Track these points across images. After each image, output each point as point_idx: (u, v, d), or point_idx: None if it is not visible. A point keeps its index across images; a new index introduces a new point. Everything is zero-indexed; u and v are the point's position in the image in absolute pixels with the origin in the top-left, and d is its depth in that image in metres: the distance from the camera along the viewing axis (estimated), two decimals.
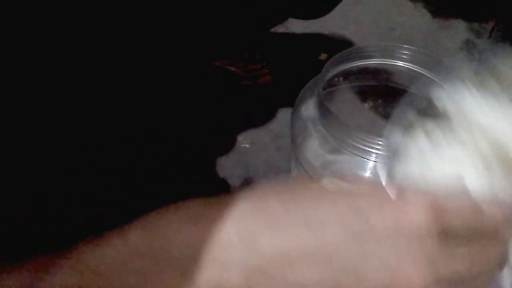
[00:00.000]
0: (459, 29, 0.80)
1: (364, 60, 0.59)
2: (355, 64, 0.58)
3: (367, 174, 0.48)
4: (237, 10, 0.46)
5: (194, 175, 0.63)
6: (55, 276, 0.23)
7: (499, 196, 0.25)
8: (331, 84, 0.63)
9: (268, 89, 0.71)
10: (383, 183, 0.30)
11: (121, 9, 0.38)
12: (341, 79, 0.60)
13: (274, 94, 0.71)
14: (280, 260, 0.21)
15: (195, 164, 0.64)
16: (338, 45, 0.79)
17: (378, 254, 0.21)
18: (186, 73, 0.60)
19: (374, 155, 0.45)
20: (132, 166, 0.58)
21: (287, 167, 0.63)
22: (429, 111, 0.34)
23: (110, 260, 0.24)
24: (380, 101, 0.65)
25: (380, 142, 0.43)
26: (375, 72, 0.61)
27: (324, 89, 0.61)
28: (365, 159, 0.46)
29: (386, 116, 0.44)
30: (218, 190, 0.64)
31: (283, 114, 0.70)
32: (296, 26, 0.79)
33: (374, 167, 0.46)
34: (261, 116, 0.71)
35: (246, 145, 0.68)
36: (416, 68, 0.65)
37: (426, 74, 0.65)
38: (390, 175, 0.32)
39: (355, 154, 0.46)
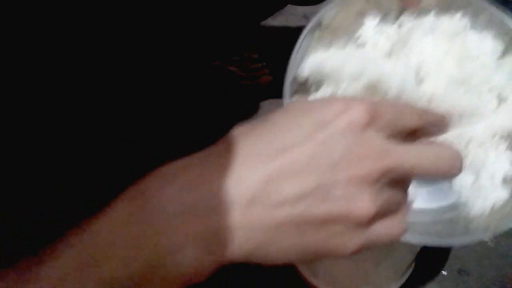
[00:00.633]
0: None
1: None
2: None
3: None
4: (236, 3, 0.46)
5: None
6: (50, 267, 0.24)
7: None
8: None
9: (268, 89, 0.71)
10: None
11: (121, 9, 0.38)
12: None
13: (274, 94, 0.71)
14: (263, 185, 0.23)
15: None
16: None
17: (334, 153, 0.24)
18: (186, 73, 0.60)
19: None
20: (132, 166, 0.58)
21: None
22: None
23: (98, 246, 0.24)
24: None
25: None
26: None
27: None
28: None
29: None
30: None
31: None
32: (296, 24, 0.79)
33: None
34: (261, 116, 0.71)
35: None
36: None
37: None
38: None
39: None
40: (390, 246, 0.54)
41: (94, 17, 0.37)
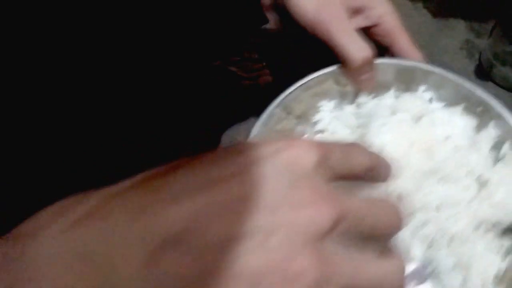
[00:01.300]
0: (459, 29, 0.80)
1: None
2: None
3: None
4: (236, 5, 0.46)
5: None
6: None
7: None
8: None
9: (268, 89, 0.71)
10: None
11: (121, 8, 0.38)
12: None
13: (274, 94, 0.71)
14: (182, 225, 0.18)
15: None
16: None
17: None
18: (186, 73, 0.60)
19: None
20: (132, 166, 0.58)
21: None
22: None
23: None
24: None
25: None
26: None
27: None
28: None
29: None
30: None
31: None
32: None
33: None
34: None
35: None
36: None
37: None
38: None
39: None
40: None
41: (94, 17, 0.37)
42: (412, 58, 0.40)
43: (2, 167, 0.39)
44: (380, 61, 0.40)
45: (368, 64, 0.38)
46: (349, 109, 0.41)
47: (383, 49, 0.42)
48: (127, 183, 0.23)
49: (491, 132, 0.38)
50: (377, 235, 0.22)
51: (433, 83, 0.40)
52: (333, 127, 0.40)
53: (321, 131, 0.40)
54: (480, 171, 0.37)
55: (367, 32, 0.41)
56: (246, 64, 0.70)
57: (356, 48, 0.37)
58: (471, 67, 0.75)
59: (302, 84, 0.40)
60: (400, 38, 0.40)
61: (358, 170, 0.24)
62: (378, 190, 0.26)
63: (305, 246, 0.19)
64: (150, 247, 0.18)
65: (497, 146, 0.39)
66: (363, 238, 0.21)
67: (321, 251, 0.19)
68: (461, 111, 0.40)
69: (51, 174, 0.43)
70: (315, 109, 0.41)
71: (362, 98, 0.40)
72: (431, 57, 0.65)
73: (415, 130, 0.38)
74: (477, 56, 0.76)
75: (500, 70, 0.71)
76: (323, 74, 0.40)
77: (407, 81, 0.41)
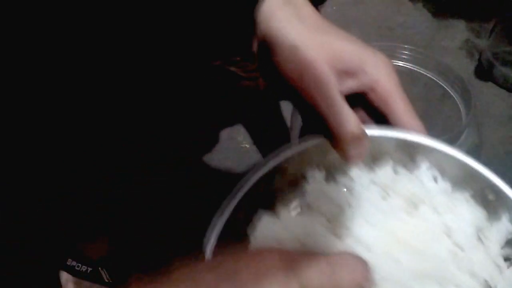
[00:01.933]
0: (459, 29, 0.80)
1: None
2: None
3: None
4: (236, 6, 0.46)
5: (193, 175, 0.63)
6: None
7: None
8: None
9: (268, 89, 0.71)
10: None
11: (122, 9, 0.38)
12: None
13: (274, 94, 0.71)
14: None
15: (195, 164, 0.64)
16: None
17: None
18: (186, 73, 0.60)
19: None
20: (132, 166, 0.58)
21: None
22: None
23: None
24: None
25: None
26: None
27: None
28: None
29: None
30: (217, 190, 0.64)
31: (283, 114, 0.70)
32: None
33: None
34: (261, 116, 0.71)
35: (246, 145, 0.68)
36: (416, 68, 0.65)
37: (426, 74, 0.65)
38: None
39: None
40: None
41: (95, 17, 0.37)
42: (410, 129, 0.34)
43: (2, 167, 0.39)
44: (377, 131, 0.34)
45: (356, 139, 0.32)
46: (342, 181, 0.35)
47: (382, 116, 0.36)
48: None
49: (504, 227, 0.32)
50: None
51: (437, 161, 0.34)
52: (322, 203, 0.34)
53: (308, 206, 0.35)
54: (487, 275, 0.31)
55: (365, 97, 0.36)
56: (246, 64, 0.70)
57: (342, 122, 0.31)
58: (471, 67, 0.75)
59: (290, 152, 0.34)
60: (398, 106, 0.34)
61: None
62: None
63: None
64: None
65: (510, 244, 0.32)
66: None
67: None
68: (468, 198, 0.33)
69: (51, 174, 0.43)
70: (303, 179, 0.35)
71: (355, 171, 0.35)
72: (431, 57, 0.65)
73: (408, 224, 0.32)
74: (477, 56, 0.76)
75: (500, 70, 0.71)
76: (313, 141, 0.34)
77: (407, 155, 0.35)
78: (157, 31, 0.42)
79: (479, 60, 0.75)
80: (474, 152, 0.54)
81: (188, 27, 0.45)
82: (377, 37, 0.80)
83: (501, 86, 0.72)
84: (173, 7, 0.42)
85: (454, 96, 0.62)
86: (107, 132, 0.46)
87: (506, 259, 0.32)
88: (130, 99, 0.46)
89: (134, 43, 0.41)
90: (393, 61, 0.61)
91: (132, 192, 0.58)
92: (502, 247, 0.32)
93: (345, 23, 0.82)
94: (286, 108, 0.70)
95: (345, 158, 0.33)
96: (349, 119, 0.31)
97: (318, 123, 0.33)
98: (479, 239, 0.32)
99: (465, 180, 0.33)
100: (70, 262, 0.53)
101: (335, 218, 0.33)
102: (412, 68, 0.65)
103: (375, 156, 0.35)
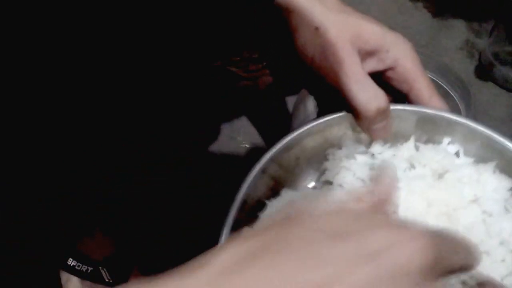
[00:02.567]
0: (459, 29, 0.80)
1: None
2: None
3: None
4: (236, 7, 0.46)
5: (193, 175, 0.63)
6: None
7: None
8: None
9: (268, 89, 0.71)
10: None
11: (123, 9, 0.38)
12: None
13: (274, 94, 0.71)
14: None
15: (195, 164, 0.64)
16: None
17: None
18: (186, 73, 0.60)
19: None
20: (132, 166, 0.58)
21: None
22: None
23: None
24: None
25: None
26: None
27: None
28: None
29: None
30: (217, 190, 0.65)
31: (283, 114, 0.70)
32: None
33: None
34: (261, 116, 0.71)
35: (246, 145, 0.68)
36: None
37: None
38: None
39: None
40: None
41: (95, 17, 0.37)
42: (431, 106, 0.34)
43: (2, 167, 0.39)
44: (399, 107, 0.34)
45: (382, 114, 0.33)
46: (362, 159, 0.35)
47: (403, 95, 0.37)
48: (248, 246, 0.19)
49: None
50: None
51: (459, 136, 0.34)
52: (342, 178, 0.34)
53: (328, 182, 0.35)
54: None
55: (383, 77, 0.36)
56: (246, 64, 0.70)
57: (368, 97, 0.32)
58: (471, 67, 0.75)
59: (310, 126, 0.34)
60: (419, 83, 0.35)
61: (457, 269, 0.21)
62: None
63: None
64: None
65: None
66: None
67: None
68: (493, 169, 0.33)
69: (51, 174, 0.43)
70: (322, 156, 0.36)
71: (377, 148, 0.35)
72: (431, 57, 0.65)
73: (436, 188, 0.32)
74: (477, 56, 0.76)
75: (500, 70, 0.71)
76: (335, 117, 0.34)
77: (429, 132, 0.35)
78: (158, 31, 0.42)
79: (479, 60, 0.75)
80: None
81: (188, 28, 0.45)
82: None
83: (501, 86, 0.72)
84: (174, 8, 0.42)
85: (454, 96, 0.62)
86: (107, 132, 0.46)
87: None
88: (130, 99, 0.46)
89: (135, 43, 0.41)
90: None
91: (132, 192, 0.58)
92: None
93: None
94: (286, 110, 0.70)
95: (370, 133, 0.34)
96: (376, 94, 0.32)
97: (338, 104, 0.33)
98: (506, 209, 0.32)
99: (488, 154, 0.33)
100: (70, 262, 0.53)
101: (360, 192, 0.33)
102: None
103: (397, 133, 0.35)
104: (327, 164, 0.35)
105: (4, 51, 0.34)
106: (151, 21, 0.41)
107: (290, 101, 0.65)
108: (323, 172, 0.35)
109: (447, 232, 0.20)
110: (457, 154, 0.35)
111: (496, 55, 0.71)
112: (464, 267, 0.21)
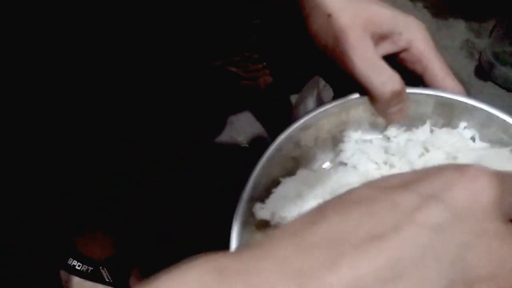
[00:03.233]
0: (459, 29, 0.80)
1: None
2: None
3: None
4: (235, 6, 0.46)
5: (193, 175, 0.63)
6: None
7: None
8: None
9: (268, 89, 0.71)
10: None
11: (123, 9, 0.38)
12: None
13: (274, 94, 0.71)
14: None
15: (195, 164, 0.64)
16: None
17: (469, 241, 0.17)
18: (186, 73, 0.60)
19: None
20: (132, 166, 0.58)
21: None
22: None
23: None
24: None
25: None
26: None
27: (323, 88, 0.61)
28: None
29: None
30: (217, 190, 0.65)
31: (283, 114, 0.70)
32: None
33: None
34: (261, 116, 0.71)
35: (246, 145, 0.68)
36: None
37: None
38: None
39: None
40: None
41: (96, 17, 0.37)
42: (447, 88, 0.34)
43: (2, 167, 0.39)
44: (416, 90, 0.34)
45: (397, 96, 0.33)
46: (377, 141, 0.35)
47: (418, 78, 0.36)
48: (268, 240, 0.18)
49: None
50: None
51: (476, 121, 0.34)
52: (357, 160, 0.34)
53: (343, 163, 0.35)
54: None
55: (397, 59, 0.36)
56: (246, 64, 0.70)
57: (383, 80, 0.32)
58: (471, 67, 0.75)
59: (327, 108, 0.34)
60: (433, 64, 0.34)
61: None
62: None
63: None
64: None
65: None
66: None
67: None
68: (509, 154, 0.33)
69: (51, 174, 0.43)
70: (338, 138, 0.36)
71: (392, 131, 0.35)
72: None
73: None
74: (477, 56, 0.76)
75: (500, 70, 0.71)
76: (352, 100, 0.35)
77: (445, 116, 0.35)
78: (158, 31, 0.42)
79: (479, 60, 0.75)
80: None
81: (189, 28, 0.45)
82: None
83: (501, 86, 0.72)
84: (174, 8, 0.42)
85: None
86: (107, 132, 0.46)
87: None
88: (131, 99, 0.46)
89: (135, 43, 0.41)
90: None
91: (132, 192, 0.58)
92: None
93: None
94: (286, 110, 0.70)
95: (386, 117, 0.34)
96: (391, 77, 0.33)
97: (353, 89, 0.34)
98: None
99: (504, 139, 0.34)
100: (70, 262, 0.53)
101: (371, 174, 0.34)
102: None
103: (413, 117, 0.35)
104: (343, 146, 0.36)
105: (4, 51, 0.34)
106: (151, 21, 0.41)
107: (290, 101, 0.65)
108: (338, 153, 0.36)
109: (509, 173, 0.20)
110: (472, 138, 0.35)
111: (496, 55, 0.71)
112: None
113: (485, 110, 0.34)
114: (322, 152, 0.36)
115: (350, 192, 0.19)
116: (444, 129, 0.35)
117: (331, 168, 0.36)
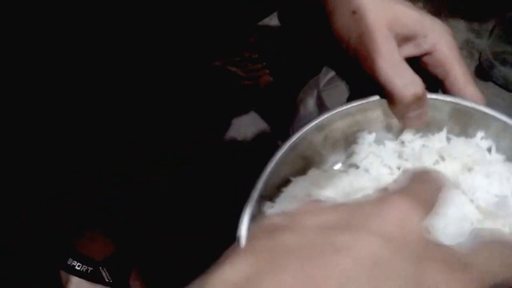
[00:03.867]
0: (459, 29, 0.80)
1: None
2: None
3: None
4: (235, 5, 0.46)
5: (193, 175, 0.63)
6: None
7: None
8: (330, 83, 0.63)
9: (268, 89, 0.71)
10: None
11: (123, 9, 0.38)
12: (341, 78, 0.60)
13: (274, 94, 0.71)
14: None
15: (195, 164, 0.64)
16: None
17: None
18: (186, 73, 0.60)
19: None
20: (132, 166, 0.58)
21: None
22: None
23: None
24: None
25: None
26: None
27: (323, 88, 0.61)
28: None
29: None
30: (217, 190, 0.65)
31: (283, 114, 0.70)
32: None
33: None
34: (261, 116, 0.71)
35: (246, 145, 0.68)
36: None
37: None
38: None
39: None
40: None
41: (96, 17, 0.37)
42: (467, 96, 0.34)
43: (2, 167, 0.39)
44: (433, 96, 0.34)
45: (418, 101, 0.32)
46: (391, 145, 0.35)
47: (438, 82, 0.36)
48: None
49: None
50: None
51: (493, 131, 0.34)
52: (369, 163, 0.34)
53: (355, 166, 0.35)
54: None
55: (419, 62, 0.35)
56: (246, 64, 0.70)
57: (405, 82, 0.32)
58: (471, 67, 0.75)
59: (343, 109, 0.34)
60: (455, 69, 0.34)
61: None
62: None
63: None
64: None
65: None
66: None
67: None
68: None
69: (51, 174, 0.43)
70: (351, 139, 0.36)
71: (407, 136, 0.35)
72: None
73: (464, 182, 0.32)
74: (477, 56, 0.76)
75: (500, 70, 0.71)
76: (369, 102, 0.34)
77: (462, 124, 0.34)
78: (158, 31, 0.42)
79: (479, 60, 0.75)
80: None
81: (189, 28, 0.45)
82: None
83: (501, 86, 0.72)
84: (174, 8, 0.42)
85: None
86: (108, 132, 0.46)
87: None
88: (131, 99, 0.46)
89: (135, 43, 0.41)
90: None
91: (132, 192, 0.58)
92: None
93: None
94: (286, 110, 0.70)
95: (404, 120, 0.33)
96: (414, 80, 0.32)
97: (370, 89, 0.33)
98: None
99: None
100: (70, 262, 0.53)
101: (383, 178, 0.33)
102: None
103: (429, 122, 0.34)
104: (356, 148, 0.35)
105: (4, 50, 0.34)
106: (151, 21, 0.41)
107: (290, 101, 0.65)
108: (350, 155, 0.35)
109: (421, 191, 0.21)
110: (489, 150, 0.34)
111: (496, 55, 0.71)
112: None
113: (503, 120, 0.33)
114: (334, 153, 0.36)
115: (282, 239, 0.19)
116: (462, 139, 0.34)
117: (343, 170, 0.35)
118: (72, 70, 0.38)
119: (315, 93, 0.59)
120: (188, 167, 0.64)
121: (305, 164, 0.34)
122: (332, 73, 0.58)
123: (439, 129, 0.35)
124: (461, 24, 0.81)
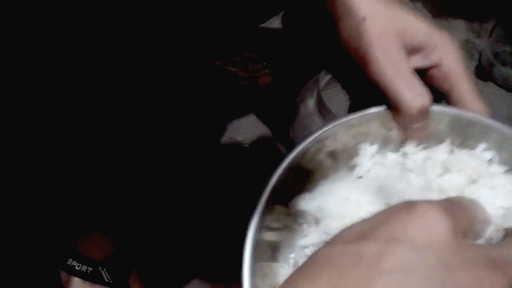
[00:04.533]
0: (459, 29, 0.80)
1: None
2: None
3: None
4: (235, 5, 0.46)
5: (194, 175, 0.63)
6: None
7: None
8: (330, 83, 0.63)
9: (268, 89, 0.71)
10: None
11: (123, 9, 0.38)
12: None
13: (274, 94, 0.71)
14: None
15: (195, 164, 0.64)
16: None
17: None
18: (186, 74, 0.60)
19: None
20: (133, 166, 0.58)
21: None
22: None
23: None
24: None
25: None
26: None
27: (323, 88, 0.61)
28: None
29: None
30: (217, 191, 0.65)
31: (283, 114, 0.70)
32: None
33: None
34: (261, 116, 0.71)
35: (246, 145, 0.68)
36: None
37: None
38: None
39: None
40: None
41: (96, 17, 0.37)
42: (473, 109, 0.34)
43: (2, 166, 0.39)
44: (435, 107, 0.34)
45: (423, 113, 0.32)
46: (393, 157, 0.35)
47: (440, 95, 0.36)
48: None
49: None
50: None
51: (494, 142, 0.34)
52: (376, 174, 0.34)
53: (360, 177, 0.35)
54: None
55: (424, 74, 0.35)
56: (246, 64, 0.70)
57: (414, 94, 0.31)
58: (471, 67, 0.75)
59: (346, 120, 0.34)
60: (461, 84, 0.34)
61: (478, 227, 0.23)
62: None
63: None
64: None
65: None
66: None
67: None
68: None
69: (51, 173, 0.43)
70: (353, 151, 0.36)
71: (410, 148, 0.35)
72: None
73: (469, 196, 0.31)
74: (477, 56, 0.76)
75: (500, 70, 0.71)
76: (372, 113, 0.34)
77: (464, 135, 0.35)
78: (158, 31, 0.42)
79: (479, 60, 0.75)
80: None
81: (189, 27, 0.45)
82: None
83: (501, 86, 0.72)
84: (174, 7, 0.42)
85: None
86: (108, 133, 0.46)
87: None
88: (131, 98, 0.46)
89: (135, 43, 0.41)
90: None
91: (132, 192, 0.58)
92: None
93: None
94: (286, 110, 0.70)
95: (407, 132, 0.33)
96: (422, 92, 0.31)
97: (371, 99, 0.33)
98: None
99: None
100: (70, 262, 0.53)
101: (386, 189, 0.33)
102: None
103: (431, 134, 0.34)
104: (358, 160, 0.35)
105: (4, 50, 0.34)
106: (151, 21, 0.41)
107: (290, 101, 0.65)
108: (352, 167, 0.35)
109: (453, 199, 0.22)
110: (491, 161, 0.34)
111: (496, 55, 0.71)
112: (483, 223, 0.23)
113: (500, 131, 0.33)
114: (336, 165, 0.36)
115: (316, 254, 0.20)
116: (465, 151, 0.34)
117: (345, 182, 0.35)
118: (72, 69, 0.38)
119: (315, 93, 0.59)
120: (188, 167, 0.64)
121: (307, 175, 0.34)
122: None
123: (440, 140, 0.34)
124: (461, 24, 0.81)
